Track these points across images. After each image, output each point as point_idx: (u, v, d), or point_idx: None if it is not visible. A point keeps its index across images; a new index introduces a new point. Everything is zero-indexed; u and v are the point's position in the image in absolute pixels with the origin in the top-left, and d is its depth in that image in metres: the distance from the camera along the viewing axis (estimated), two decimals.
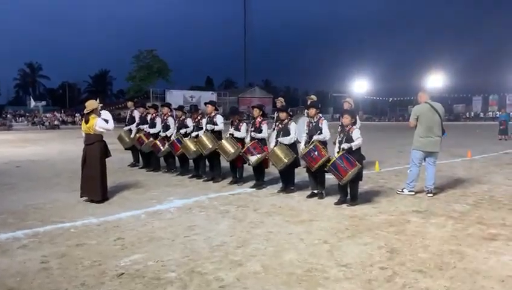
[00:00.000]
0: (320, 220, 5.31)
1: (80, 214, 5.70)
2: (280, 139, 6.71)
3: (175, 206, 6.17)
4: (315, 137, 6.32)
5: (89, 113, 6.31)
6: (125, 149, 10.40)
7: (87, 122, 6.30)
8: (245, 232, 4.82)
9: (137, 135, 9.42)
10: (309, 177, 6.74)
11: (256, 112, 7.34)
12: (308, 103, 9.05)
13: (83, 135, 6.46)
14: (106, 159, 6.54)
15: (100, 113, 6.39)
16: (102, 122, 6.29)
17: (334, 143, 6.36)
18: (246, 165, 7.72)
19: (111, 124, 6.39)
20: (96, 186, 6.28)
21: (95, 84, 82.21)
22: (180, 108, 8.90)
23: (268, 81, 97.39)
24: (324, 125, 6.42)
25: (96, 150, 6.32)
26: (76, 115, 42.86)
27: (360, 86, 61.43)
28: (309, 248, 4.33)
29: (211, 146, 7.62)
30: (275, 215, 5.56)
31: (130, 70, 53.48)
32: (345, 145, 5.85)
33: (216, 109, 8.15)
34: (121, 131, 10.12)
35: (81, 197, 6.40)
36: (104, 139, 6.46)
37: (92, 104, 6.40)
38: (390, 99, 55.39)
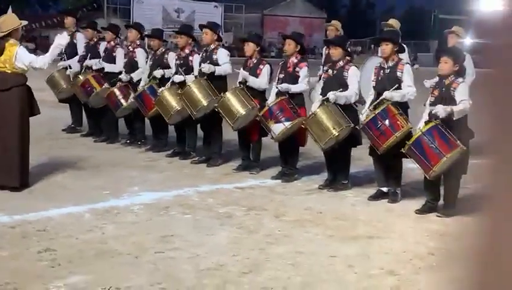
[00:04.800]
0: (387, 238, 5.62)
1: None
2: (330, 94, 6.99)
3: (141, 202, 6.58)
4: (387, 94, 6.55)
5: (4, 38, 6.73)
6: (60, 101, 10.93)
7: (0, 52, 6.73)
8: (257, 251, 5.19)
9: (82, 78, 9.87)
10: (374, 166, 7.07)
11: (290, 46, 7.64)
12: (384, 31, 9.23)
13: None
14: (30, 119, 6.97)
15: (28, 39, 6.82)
16: (26, 54, 6.71)
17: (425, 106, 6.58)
18: (266, 140, 8.07)
19: (47, 57, 6.82)
20: (11, 165, 6.75)
21: None
22: (157, 34, 9.27)
23: None
24: (406, 73, 6.67)
25: (13, 102, 6.77)
26: None
27: (492, 1, 59.96)
28: (362, 282, 4.65)
29: (205, 103, 8.01)
30: (310, 227, 5.92)
31: None
32: (440, 110, 6.09)
33: (219, 39, 8.49)
34: (53, 70, 10.57)
35: None
36: (27, 82, 6.90)
37: (9, 21, 6.82)
38: None
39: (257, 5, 62.72)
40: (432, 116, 6.19)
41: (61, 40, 7.04)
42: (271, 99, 7.62)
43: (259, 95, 7.84)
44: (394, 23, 9.64)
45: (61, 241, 5.28)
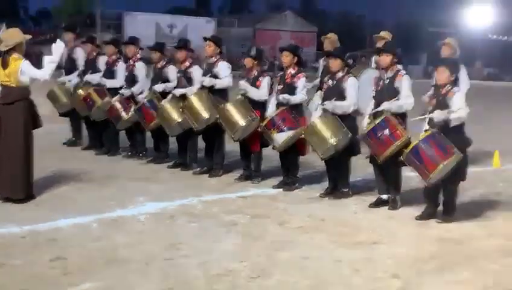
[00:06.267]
0: (389, 243, 5.78)
1: None
2: (328, 105, 7.14)
3: (147, 212, 6.71)
4: (385, 105, 6.72)
5: (8, 52, 6.85)
6: (60, 115, 10.97)
7: (5, 66, 6.84)
8: (264, 257, 5.33)
9: (83, 92, 9.95)
10: (375, 174, 7.22)
11: (287, 57, 7.78)
12: (377, 44, 9.42)
13: None
14: (34, 132, 7.09)
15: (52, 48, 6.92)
16: (30, 68, 6.84)
17: (423, 116, 6.76)
18: (267, 150, 8.20)
19: (48, 69, 6.92)
20: (16, 177, 6.84)
21: None
22: (158, 47, 9.40)
23: (309, 1, 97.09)
24: (404, 84, 6.83)
25: (18, 115, 6.87)
26: None
27: (478, 15, 60.71)
28: (369, 285, 4.79)
29: (207, 115, 8.12)
30: (314, 233, 6.07)
31: None
32: (437, 116, 6.25)
33: (221, 52, 8.62)
34: (54, 84, 10.66)
35: None
36: (30, 96, 7.03)
37: (13, 35, 6.94)
38: None
39: (249, 19, 63.22)
40: (430, 124, 6.35)
41: (57, 47, 7.09)
42: (271, 110, 7.76)
43: (260, 106, 7.96)
44: (386, 34, 9.80)
45: (71, 250, 5.38)
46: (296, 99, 7.59)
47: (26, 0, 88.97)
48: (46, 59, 6.98)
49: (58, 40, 7.10)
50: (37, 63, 7.10)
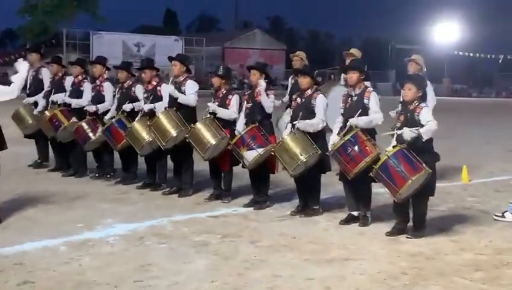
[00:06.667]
0: (361, 260, 5.82)
1: None
2: (297, 124, 7.22)
3: (116, 233, 6.67)
4: (353, 120, 6.82)
5: None
6: (26, 137, 10.89)
7: None
8: (235, 277, 5.32)
9: (48, 113, 9.89)
10: (345, 191, 7.28)
11: (255, 76, 7.87)
12: (346, 61, 9.57)
13: None
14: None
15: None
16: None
17: (391, 132, 6.88)
18: (238, 168, 8.25)
19: (15, 87, 6.89)
20: None
21: None
22: (125, 66, 9.43)
23: (278, 20, 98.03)
24: (372, 100, 6.94)
25: None
26: None
27: (445, 32, 61.93)
28: None
29: (174, 134, 8.13)
30: (285, 251, 6.08)
31: None
32: (406, 132, 6.36)
33: (188, 71, 8.66)
34: (19, 105, 10.58)
35: None
36: None
37: None
38: (501, 58, 55.97)
39: (217, 38, 63.43)
40: (399, 140, 6.45)
41: (20, 66, 7.08)
42: (240, 128, 7.81)
43: (229, 124, 8.00)
44: (355, 52, 9.96)
45: (39, 274, 5.32)
46: (266, 108, 7.68)
47: None
48: (13, 77, 6.97)
49: (20, 60, 7.08)
50: (3, 84, 7.06)
